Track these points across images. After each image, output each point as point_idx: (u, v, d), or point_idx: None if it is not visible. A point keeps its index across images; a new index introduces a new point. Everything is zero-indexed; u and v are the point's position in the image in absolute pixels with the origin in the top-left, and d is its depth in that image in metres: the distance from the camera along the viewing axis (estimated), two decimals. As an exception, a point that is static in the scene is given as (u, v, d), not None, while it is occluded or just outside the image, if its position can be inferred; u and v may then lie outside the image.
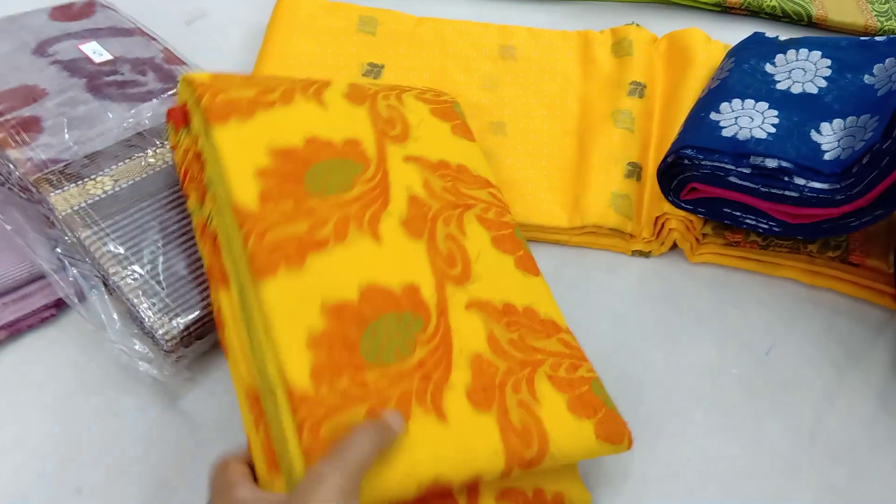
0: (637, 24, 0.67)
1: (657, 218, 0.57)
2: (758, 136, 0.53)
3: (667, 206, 0.57)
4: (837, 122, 0.53)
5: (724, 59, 0.61)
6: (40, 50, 0.56)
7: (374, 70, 0.64)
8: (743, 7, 0.70)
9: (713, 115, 0.55)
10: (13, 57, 0.55)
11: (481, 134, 0.61)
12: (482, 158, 0.53)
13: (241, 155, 0.43)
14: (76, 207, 0.47)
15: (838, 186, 0.50)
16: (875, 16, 0.71)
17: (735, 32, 0.70)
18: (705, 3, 0.71)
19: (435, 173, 0.49)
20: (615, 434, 0.43)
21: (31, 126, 0.51)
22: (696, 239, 0.57)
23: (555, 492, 0.44)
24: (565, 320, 0.48)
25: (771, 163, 0.51)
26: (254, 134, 0.44)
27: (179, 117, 0.47)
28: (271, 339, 0.38)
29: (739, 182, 0.53)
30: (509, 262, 0.48)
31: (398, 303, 0.42)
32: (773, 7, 0.70)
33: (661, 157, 0.56)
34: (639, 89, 0.63)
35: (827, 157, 0.51)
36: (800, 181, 0.51)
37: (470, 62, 0.66)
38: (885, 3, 0.72)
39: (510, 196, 0.58)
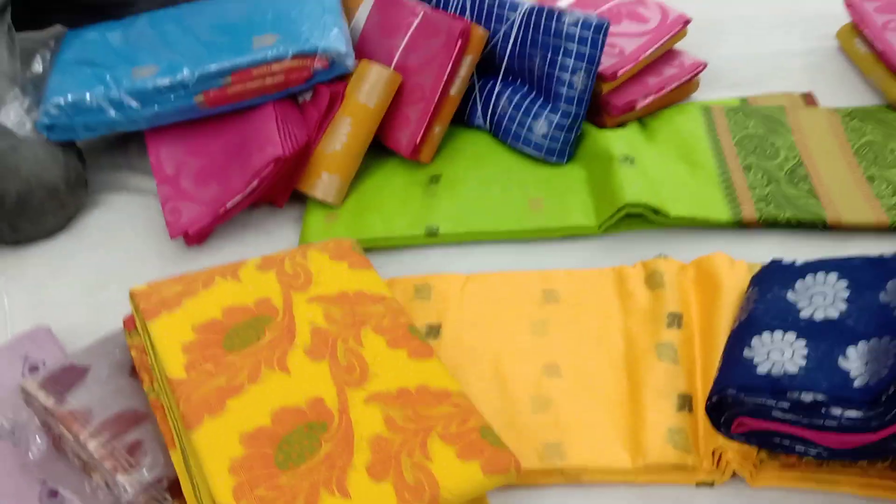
0: (665, 256, 0.74)
1: (714, 450, 0.61)
2: (790, 370, 0.58)
3: (721, 437, 0.61)
4: (861, 345, 0.58)
5: (749, 287, 0.67)
6: (136, 372, 0.64)
7: (433, 330, 0.71)
8: (760, 222, 0.77)
9: (746, 352, 0.60)
10: (112, 380, 0.63)
11: (536, 378, 0.67)
12: (378, 280, 0.67)
13: (170, 337, 0.58)
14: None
15: (871, 414, 0.54)
16: (885, 210, 0.77)
17: (755, 248, 0.76)
18: (725, 223, 0.77)
19: (334, 305, 0.63)
20: (501, 466, 0.54)
21: (136, 449, 0.58)
22: (755, 465, 0.61)
23: None
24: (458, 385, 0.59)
25: (806, 397, 0.56)
26: (180, 317, 0.59)
27: (130, 323, 0.64)
28: (203, 475, 0.51)
29: (782, 416, 0.57)
30: (402, 355, 0.60)
31: (305, 415, 0.54)
32: (788, 219, 0.77)
33: (708, 385, 0.61)
34: (676, 320, 0.69)
35: (856, 383, 0.56)
36: (836, 411, 0.55)
37: (517, 309, 0.73)
38: (892, 197, 0.78)
39: (572, 441, 0.63)
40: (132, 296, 0.62)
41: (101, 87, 0.81)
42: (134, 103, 0.80)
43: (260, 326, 0.60)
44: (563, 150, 0.84)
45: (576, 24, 0.78)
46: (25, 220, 0.82)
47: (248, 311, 0.61)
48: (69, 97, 0.81)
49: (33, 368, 0.68)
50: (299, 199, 0.85)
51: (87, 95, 0.80)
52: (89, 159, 0.91)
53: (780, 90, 0.93)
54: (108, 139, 0.94)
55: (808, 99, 0.92)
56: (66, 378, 0.62)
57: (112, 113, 0.81)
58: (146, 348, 0.61)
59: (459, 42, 0.80)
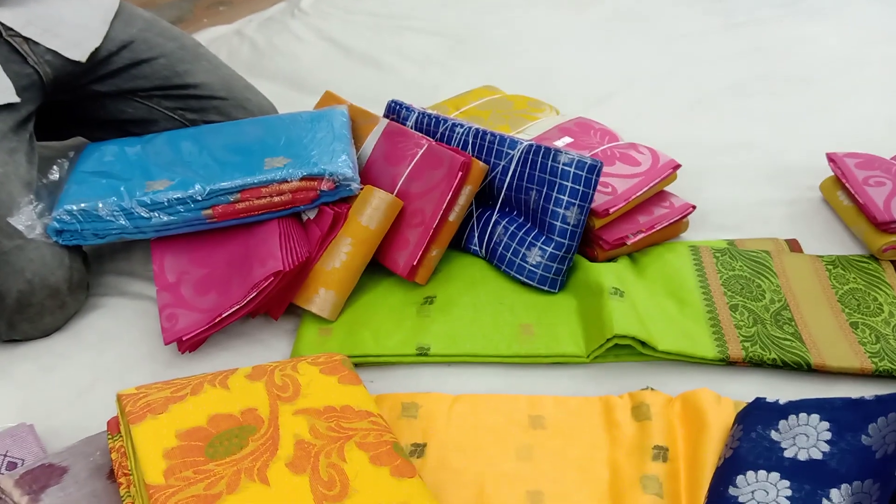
0: (651, 388, 0.75)
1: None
2: (774, 510, 0.57)
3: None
4: (845, 487, 0.58)
5: (734, 424, 0.68)
6: (114, 475, 0.63)
7: (418, 449, 0.71)
8: (746, 361, 0.78)
9: (731, 490, 0.60)
10: (90, 483, 0.63)
11: (520, 505, 0.66)
12: (366, 396, 0.68)
13: (152, 441, 0.58)
14: None
15: (858, 561, 0.53)
16: (868, 357, 0.78)
17: (742, 386, 0.77)
18: (711, 360, 0.79)
19: (320, 418, 0.63)
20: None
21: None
22: None
23: None
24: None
25: (791, 537, 0.55)
26: (165, 422, 0.60)
27: (114, 426, 0.64)
28: None
29: (767, 556, 0.56)
30: (384, 473, 0.61)
31: None
32: (774, 359, 0.78)
33: (692, 522, 0.60)
34: (662, 453, 0.69)
35: (841, 527, 0.55)
36: (821, 555, 0.54)
37: (503, 434, 0.73)
38: (875, 344, 0.80)
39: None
40: (119, 398, 0.63)
41: (114, 197, 0.84)
42: (144, 213, 0.83)
43: (244, 436, 0.60)
44: (555, 279, 0.86)
45: (570, 164, 0.83)
46: (24, 319, 0.83)
47: (234, 419, 0.62)
48: (81, 204, 0.84)
49: (11, 465, 0.68)
50: (295, 311, 0.87)
51: (100, 204, 0.83)
52: (94, 264, 0.94)
53: (766, 235, 0.97)
54: (114, 246, 0.96)
55: (794, 245, 0.95)
56: (43, 477, 0.61)
57: (122, 221, 0.84)
58: (127, 452, 0.61)
59: (460, 174, 0.84)
